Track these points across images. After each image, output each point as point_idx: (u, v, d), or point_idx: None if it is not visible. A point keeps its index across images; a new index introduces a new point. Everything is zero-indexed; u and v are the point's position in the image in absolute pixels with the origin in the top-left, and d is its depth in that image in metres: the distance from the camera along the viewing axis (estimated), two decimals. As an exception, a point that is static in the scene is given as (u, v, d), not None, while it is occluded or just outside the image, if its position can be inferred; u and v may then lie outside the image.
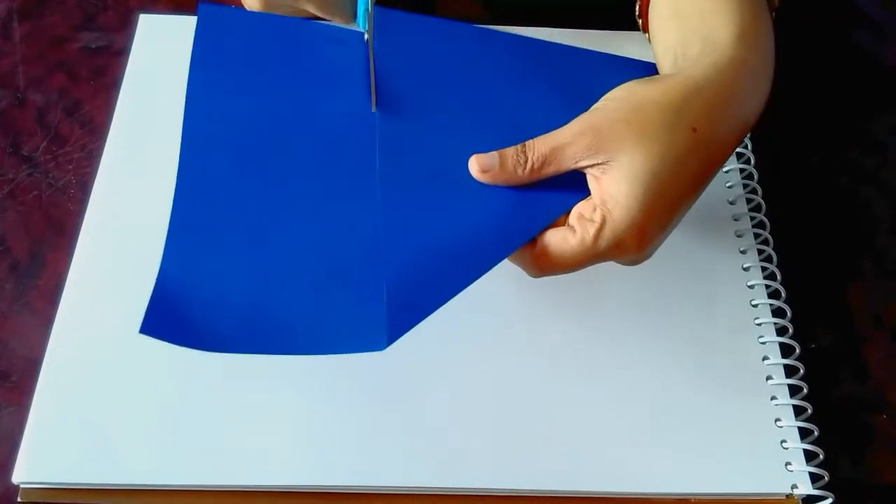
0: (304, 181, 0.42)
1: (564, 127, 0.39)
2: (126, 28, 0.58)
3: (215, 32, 0.45)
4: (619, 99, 0.39)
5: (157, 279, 0.39)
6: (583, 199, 0.39)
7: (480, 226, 0.40)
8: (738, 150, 0.53)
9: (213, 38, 0.45)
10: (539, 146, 0.39)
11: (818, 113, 0.58)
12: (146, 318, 0.38)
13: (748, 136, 0.53)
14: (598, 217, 0.38)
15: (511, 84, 0.44)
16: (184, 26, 0.57)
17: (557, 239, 0.39)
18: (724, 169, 0.52)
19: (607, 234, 0.38)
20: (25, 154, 0.53)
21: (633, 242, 0.38)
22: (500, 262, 0.39)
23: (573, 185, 0.39)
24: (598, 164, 0.38)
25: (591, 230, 0.38)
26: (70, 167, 0.53)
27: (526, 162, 0.39)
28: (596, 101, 0.40)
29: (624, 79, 0.41)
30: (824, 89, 0.59)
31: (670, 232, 0.40)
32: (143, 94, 0.54)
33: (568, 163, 0.39)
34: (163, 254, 0.40)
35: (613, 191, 0.38)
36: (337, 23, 0.40)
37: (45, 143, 0.54)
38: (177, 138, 0.43)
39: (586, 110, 0.40)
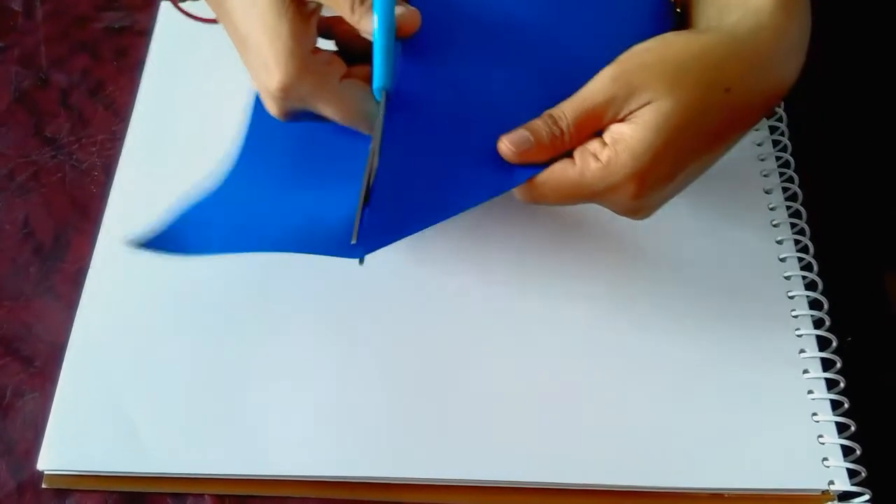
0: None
1: (592, 89, 0.38)
2: (149, 8, 0.57)
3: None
4: (653, 51, 0.38)
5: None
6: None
7: (481, 163, 0.38)
8: (773, 138, 0.52)
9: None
10: (569, 114, 0.38)
11: (859, 97, 0.57)
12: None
13: (785, 123, 0.52)
14: (604, 156, 0.37)
15: (548, 9, 0.42)
16: (204, 9, 0.56)
17: (556, 169, 0.38)
18: (761, 157, 0.51)
19: (607, 174, 0.37)
20: (49, 136, 0.53)
21: (631, 188, 0.37)
22: (490, 199, 0.38)
23: None
24: (630, 112, 0.37)
25: (593, 166, 0.37)
26: (94, 149, 0.52)
27: (562, 135, 0.38)
28: (630, 43, 0.39)
29: (662, 25, 0.40)
30: (863, 65, 0.58)
31: (675, 190, 0.39)
32: (165, 77, 0.54)
33: (604, 124, 0.38)
34: None
35: (628, 133, 0.37)
36: (363, 131, 0.40)
37: (68, 125, 0.53)
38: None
39: (621, 52, 0.38)
